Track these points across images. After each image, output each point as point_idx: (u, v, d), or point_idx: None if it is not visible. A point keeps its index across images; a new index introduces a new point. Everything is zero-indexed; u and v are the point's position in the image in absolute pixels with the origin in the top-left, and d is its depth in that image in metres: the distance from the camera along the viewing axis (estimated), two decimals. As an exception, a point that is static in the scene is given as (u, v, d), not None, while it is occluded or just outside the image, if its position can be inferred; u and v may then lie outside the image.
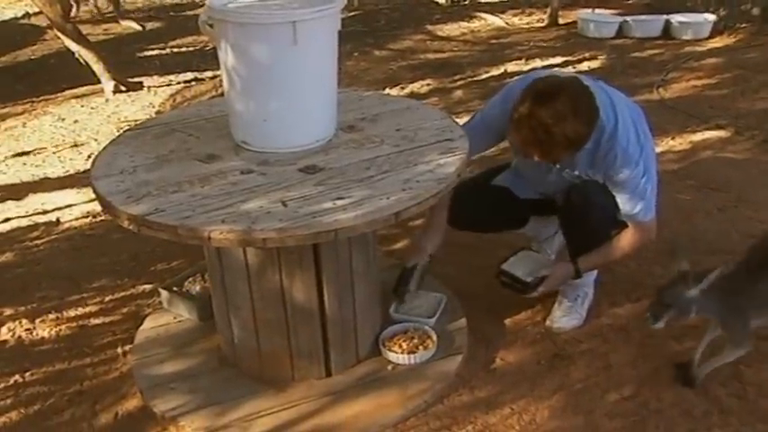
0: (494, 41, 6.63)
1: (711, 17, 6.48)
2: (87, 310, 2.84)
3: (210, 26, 2.16)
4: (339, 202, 1.91)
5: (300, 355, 2.30)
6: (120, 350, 2.58)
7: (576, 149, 2.27)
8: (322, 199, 1.94)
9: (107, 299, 2.90)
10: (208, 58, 5.90)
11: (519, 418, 2.21)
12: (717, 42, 6.29)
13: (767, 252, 2.22)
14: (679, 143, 4.18)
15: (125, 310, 2.83)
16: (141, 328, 2.63)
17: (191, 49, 6.28)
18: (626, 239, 2.47)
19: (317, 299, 2.22)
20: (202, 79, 5.46)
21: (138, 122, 3.87)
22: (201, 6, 2.25)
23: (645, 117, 2.44)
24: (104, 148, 2.33)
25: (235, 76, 2.15)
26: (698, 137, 4.26)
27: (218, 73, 5.48)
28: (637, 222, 2.42)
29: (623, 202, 2.38)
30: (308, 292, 2.20)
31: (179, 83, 5.44)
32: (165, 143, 2.33)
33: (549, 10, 7.11)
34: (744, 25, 6.55)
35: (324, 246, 2.13)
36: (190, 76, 5.55)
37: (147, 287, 2.94)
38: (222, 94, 2.40)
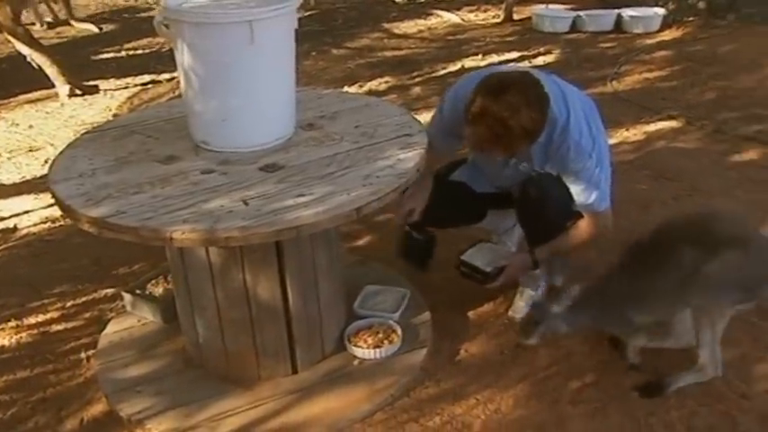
0: (450, 38, 6.69)
1: (661, 11, 6.61)
2: (48, 316, 2.81)
3: (166, 27, 2.16)
4: (301, 199, 1.93)
5: (266, 353, 2.30)
6: (83, 355, 2.56)
7: (534, 139, 2.31)
8: (283, 196, 1.95)
9: (68, 304, 2.87)
10: (164, 60, 5.85)
11: (484, 407, 2.25)
12: (666, 35, 6.42)
13: (636, 253, 2.26)
14: (633, 134, 4.27)
15: (87, 315, 2.80)
16: (105, 332, 2.61)
17: (147, 51, 6.21)
18: (582, 229, 2.51)
19: (282, 296, 2.23)
20: (160, 81, 5.41)
21: (95, 125, 3.82)
22: (156, 8, 2.24)
23: (597, 110, 2.49)
24: (62, 152, 2.31)
25: (192, 76, 2.15)
26: (651, 128, 4.36)
27: (175, 75, 5.44)
28: (592, 212, 2.47)
29: (578, 192, 2.43)
30: (272, 290, 2.21)
31: (136, 85, 5.38)
32: (124, 145, 2.32)
33: (504, 6, 7.19)
34: (691, 19, 6.70)
35: (286, 243, 2.14)
36: (147, 78, 5.49)
37: (110, 291, 2.92)
38: (180, 96, 2.39)
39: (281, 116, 2.28)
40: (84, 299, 2.90)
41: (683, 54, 5.81)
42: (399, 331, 2.47)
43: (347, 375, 2.35)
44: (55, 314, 2.82)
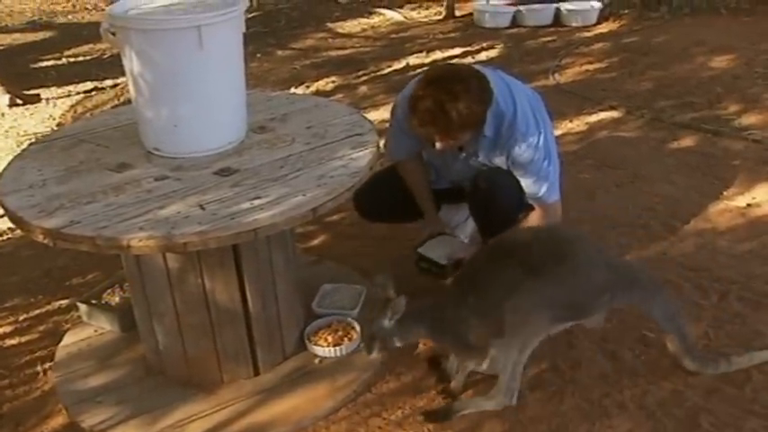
0: (394, 36, 6.75)
1: (597, 4, 6.78)
2: (1, 330, 2.76)
3: (113, 34, 2.15)
4: (257, 202, 1.95)
5: (227, 356, 2.31)
6: (39, 369, 2.53)
7: (473, 130, 2.39)
8: (239, 200, 1.97)
9: (21, 318, 2.83)
10: (106, 67, 5.74)
11: (445, 399, 2.30)
12: (603, 28, 6.60)
13: (466, 270, 2.26)
14: (576, 125, 4.39)
15: (42, 327, 2.77)
16: (62, 343, 2.58)
17: (87, 58, 6.09)
18: (533, 221, 2.59)
19: (241, 299, 2.24)
20: (103, 88, 5.32)
21: (39, 135, 3.75)
22: (92, 13, 2.23)
23: (543, 103, 2.57)
24: (9, 163, 2.28)
25: (142, 83, 2.14)
26: (593, 118, 4.49)
27: (118, 81, 5.37)
28: (542, 204, 2.54)
29: (528, 185, 2.50)
30: (231, 293, 2.22)
31: (78, 93, 5.28)
32: (74, 155, 2.30)
33: (445, 3, 7.28)
34: (626, 11, 6.90)
35: (244, 246, 2.15)
36: (89, 85, 5.38)
37: (63, 303, 2.89)
38: (125, 103, 2.38)
39: (232, 120, 2.29)
40: (37, 311, 2.86)
41: (619, 46, 5.98)
42: (358, 328, 2.50)
43: (309, 374, 2.37)
44: (8, 328, 2.78)
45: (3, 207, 2.03)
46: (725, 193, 3.49)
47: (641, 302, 2.28)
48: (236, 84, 2.26)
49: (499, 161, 2.54)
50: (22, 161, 2.28)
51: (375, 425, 2.21)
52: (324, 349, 2.43)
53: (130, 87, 2.21)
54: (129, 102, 2.30)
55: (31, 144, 2.43)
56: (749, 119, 4.37)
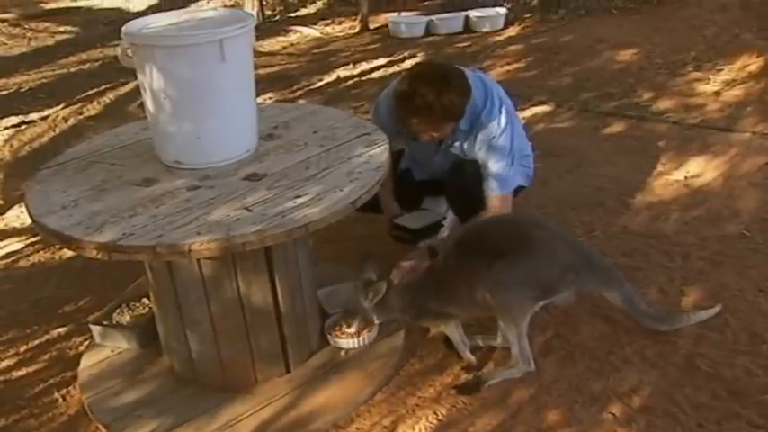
0: (316, 51, 6.89)
1: (503, 10, 7.18)
2: (5, 364, 2.71)
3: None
4: (299, 201, 2.05)
5: (261, 356, 2.38)
6: (57, 395, 2.51)
7: (455, 121, 2.60)
8: (281, 200, 2.07)
9: (22, 349, 2.78)
10: (27, 100, 5.55)
11: (468, 373, 2.45)
12: (511, 32, 6.98)
13: (444, 256, 2.44)
14: (514, 120, 4.67)
15: (46, 356, 2.73)
16: (81, 367, 2.56)
17: (4, 92, 5.88)
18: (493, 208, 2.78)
19: (273, 300, 2.32)
20: (33, 121, 5.17)
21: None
22: None
23: (510, 98, 2.83)
24: (28, 188, 2.26)
25: (164, 99, 2.18)
26: (527, 113, 4.78)
27: (45, 114, 5.25)
28: (500, 193, 2.73)
29: (500, 168, 2.70)
30: (264, 295, 2.29)
31: (7, 128, 5.11)
32: (92, 174, 2.32)
33: (359, 17, 7.49)
34: (528, 15, 7.32)
35: (275, 248, 2.22)
36: (15, 120, 5.22)
37: (62, 330, 2.85)
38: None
39: (249, 128, 2.37)
40: (36, 341, 2.82)
41: (531, 46, 6.35)
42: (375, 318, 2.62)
43: (339, 366, 2.47)
44: (10, 361, 2.72)
45: (44, 229, 2.04)
46: (662, 169, 3.85)
47: (602, 284, 2.45)
48: (251, 93, 2.35)
49: (473, 151, 2.74)
50: (40, 185, 2.27)
51: (412, 403, 2.34)
52: (347, 341, 2.53)
53: (148, 105, 2.25)
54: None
55: (40, 169, 2.41)
56: (663, 104, 4.79)
